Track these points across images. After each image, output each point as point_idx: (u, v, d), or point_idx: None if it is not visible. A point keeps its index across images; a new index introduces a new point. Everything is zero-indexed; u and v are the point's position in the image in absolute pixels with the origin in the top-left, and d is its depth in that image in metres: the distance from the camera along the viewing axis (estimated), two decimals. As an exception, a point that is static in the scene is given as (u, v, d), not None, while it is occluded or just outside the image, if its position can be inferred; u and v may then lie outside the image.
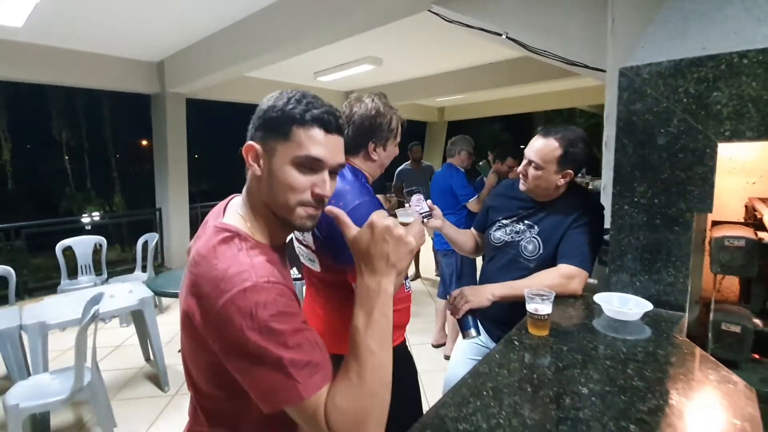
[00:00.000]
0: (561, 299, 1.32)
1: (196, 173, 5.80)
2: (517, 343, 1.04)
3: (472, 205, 3.05)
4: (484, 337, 1.62)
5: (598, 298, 1.24)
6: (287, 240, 0.81)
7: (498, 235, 1.64)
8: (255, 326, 0.58)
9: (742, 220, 1.43)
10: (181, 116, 5.06)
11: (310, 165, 0.68)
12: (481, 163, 3.37)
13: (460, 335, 1.42)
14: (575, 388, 0.83)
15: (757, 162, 1.59)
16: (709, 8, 1.14)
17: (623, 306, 1.19)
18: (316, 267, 1.26)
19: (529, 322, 1.11)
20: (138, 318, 2.78)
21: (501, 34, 2.58)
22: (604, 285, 1.34)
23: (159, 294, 2.96)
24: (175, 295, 2.72)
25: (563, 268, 1.38)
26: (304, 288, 1.44)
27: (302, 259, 1.34)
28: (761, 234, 1.16)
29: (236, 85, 5.27)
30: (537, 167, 1.43)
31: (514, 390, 0.83)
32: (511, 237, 1.59)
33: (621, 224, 1.28)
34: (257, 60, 3.60)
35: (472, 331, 1.37)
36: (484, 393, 0.82)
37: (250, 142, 0.70)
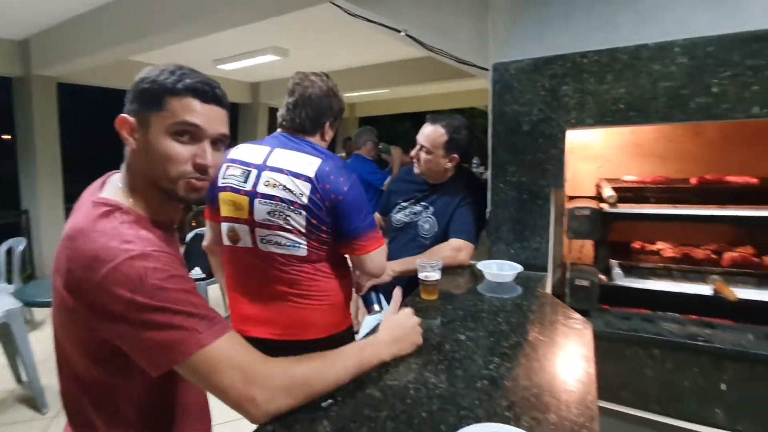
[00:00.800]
0: (452, 269, 1.47)
1: (74, 169, 5.05)
2: (410, 306, 1.14)
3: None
4: (386, 310, 1.72)
5: (481, 265, 1.40)
6: (179, 226, 0.79)
7: (399, 216, 1.75)
8: (146, 290, 0.57)
9: (589, 196, 1.73)
10: (52, 103, 4.39)
11: (186, 133, 0.67)
12: (380, 146, 3.57)
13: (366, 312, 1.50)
14: (455, 337, 0.94)
15: (604, 149, 1.92)
16: (557, 15, 1.36)
17: (500, 270, 1.37)
18: (300, 251, 1.14)
19: (421, 288, 1.22)
20: (5, 334, 2.39)
21: (400, 31, 2.73)
22: (486, 255, 1.52)
23: (30, 305, 2.57)
24: (50, 305, 2.39)
25: (453, 242, 1.53)
26: (208, 289, 1.38)
27: (274, 249, 1.15)
28: (602, 204, 1.42)
29: (123, 70, 4.75)
30: (427, 152, 1.56)
31: (403, 344, 0.92)
32: (410, 218, 1.72)
33: (498, 201, 1.46)
34: (144, 42, 3.29)
35: (376, 306, 1.45)
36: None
37: (123, 115, 0.68)
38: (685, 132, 1.79)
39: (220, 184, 1.19)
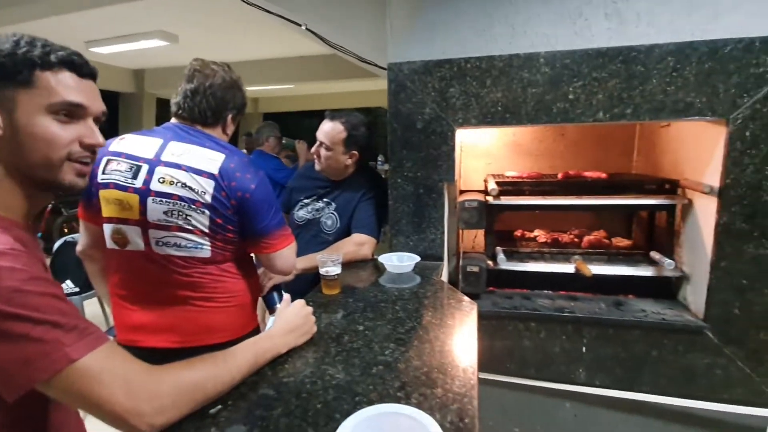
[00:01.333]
0: (355, 263, 1.50)
1: None
2: (311, 303, 1.14)
3: None
4: None
5: (382, 258, 1.45)
6: (56, 248, 0.67)
7: (301, 214, 1.72)
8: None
9: (478, 189, 1.90)
10: None
11: (69, 113, 0.59)
12: (284, 140, 3.49)
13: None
14: (354, 328, 0.97)
15: (491, 148, 2.12)
16: (446, 21, 1.46)
17: (400, 262, 1.43)
18: (203, 252, 1.05)
19: (322, 283, 1.22)
20: None
21: (301, 25, 2.68)
22: (388, 248, 1.58)
23: None
24: None
25: (356, 237, 1.56)
26: (85, 303, 1.20)
27: (173, 251, 1.04)
28: (488, 197, 1.57)
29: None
30: (327, 148, 1.57)
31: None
32: (313, 215, 1.70)
33: (396, 195, 1.53)
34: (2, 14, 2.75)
35: (278, 307, 1.41)
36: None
37: None
38: (552, 133, 2.06)
39: (100, 180, 1.04)
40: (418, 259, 1.42)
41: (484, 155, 2.12)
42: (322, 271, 1.21)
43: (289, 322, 0.86)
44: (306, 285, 1.51)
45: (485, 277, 1.57)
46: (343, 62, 4.37)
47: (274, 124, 3.24)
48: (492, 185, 1.52)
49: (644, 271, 1.53)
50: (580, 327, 1.44)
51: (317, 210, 1.71)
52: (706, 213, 1.35)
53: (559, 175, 1.79)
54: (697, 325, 1.34)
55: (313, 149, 1.64)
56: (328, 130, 1.58)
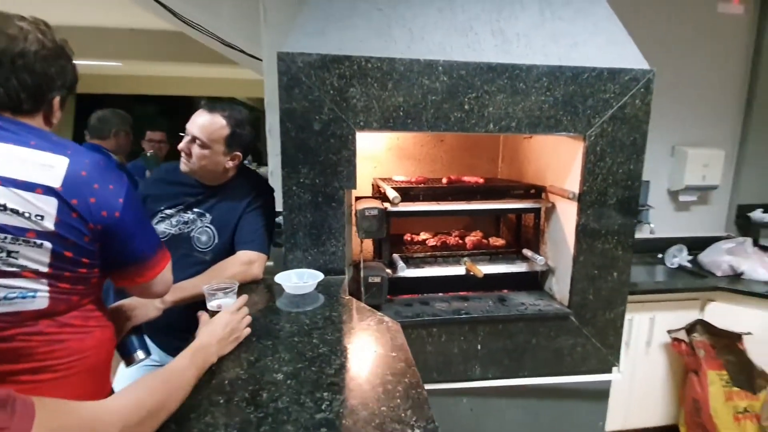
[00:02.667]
0: (244, 286, 1.26)
1: None
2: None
3: None
4: (156, 355, 1.35)
5: (278, 278, 1.26)
6: None
7: (161, 228, 1.38)
8: None
9: (371, 195, 1.84)
10: None
11: None
12: (149, 153, 2.80)
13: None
14: (271, 378, 0.78)
15: (377, 151, 2.08)
16: (341, 15, 1.34)
17: (301, 280, 1.26)
18: (35, 303, 0.70)
19: (213, 321, 0.97)
20: None
21: (143, -9, 2.18)
22: (281, 265, 1.38)
23: None
24: None
25: (242, 255, 1.32)
26: None
27: None
28: (386, 204, 1.52)
29: None
30: (203, 145, 1.29)
31: (205, 408, 0.69)
32: (179, 229, 1.39)
33: (291, 204, 1.35)
34: None
35: (139, 354, 1.09)
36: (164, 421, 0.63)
37: None
38: (432, 139, 2.15)
39: None
40: (321, 276, 1.27)
41: (370, 159, 2.07)
42: (212, 305, 0.97)
43: (218, 328, 0.86)
44: (180, 318, 1.20)
45: (387, 287, 1.52)
46: (190, 42, 3.78)
47: (126, 116, 2.50)
48: (392, 192, 1.47)
49: (519, 268, 1.71)
50: (476, 326, 1.52)
51: (185, 223, 1.40)
52: (567, 215, 1.56)
53: (444, 180, 1.86)
54: (564, 311, 1.55)
55: (181, 145, 1.33)
56: (205, 123, 1.29)
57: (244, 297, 1.00)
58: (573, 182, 1.51)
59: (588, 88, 1.39)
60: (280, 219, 1.55)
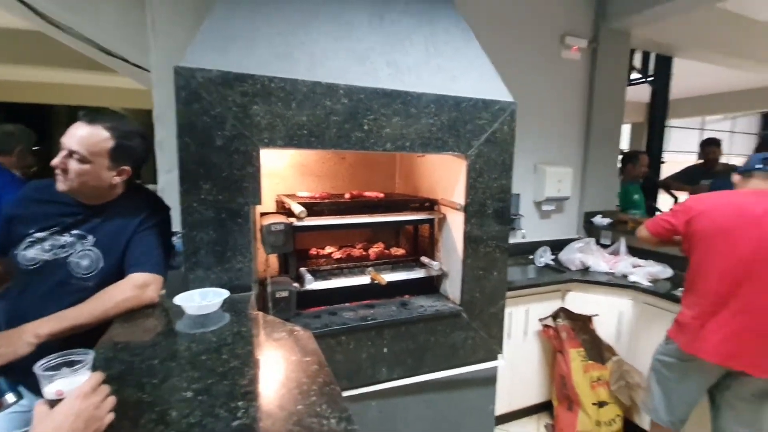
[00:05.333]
0: (136, 313, 1.18)
1: None
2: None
3: None
4: (27, 399, 1.17)
5: (178, 299, 1.21)
6: None
7: (31, 254, 1.23)
8: None
9: (275, 211, 1.85)
10: None
11: None
12: None
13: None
14: (180, 397, 0.76)
15: (278, 167, 2.10)
16: (242, 35, 1.37)
17: (204, 300, 1.22)
18: None
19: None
20: None
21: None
22: (183, 286, 1.32)
23: None
24: None
25: (135, 278, 1.23)
26: None
27: None
28: (291, 219, 1.55)
29: None
30: (82, 160, 1.19)
31: (106, 436, 0.65)
32: (54, 254, 1.24)
33: (192, 221, 1.30)
34: None
35: (9, 397, 0.96)
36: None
37: None
38: (334, 156, 2.24)
39: None
40: (226, 294, 1.25)
41: (273, 175, 2.08)
42: (50, 391, 0.69)
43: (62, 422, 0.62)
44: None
45: (295, 300, 1.55)
46: (56, 45, 3.35)
47: (25, 130, 2.18)
48: (298, 207, 1.51)
49: (418, 274, 1.88)
50: (382, 330, 1.62)
51: (62, 247, 1.26)
52: (456, 224, 1.78)
53: (347, 195, 1.96)
54: (457, 309, 1.75)
55: (55, 160, 1.20)
56: (84, 136, 1.19)
57: (100, 374, 0.71)
58: (459, 195, 1.73)
59: (467, 115, 1.63)
60: (175, 239, 1.48)
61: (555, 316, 2.34)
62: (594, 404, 2.21)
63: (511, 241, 2.74)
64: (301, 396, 0.77)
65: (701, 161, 3.79)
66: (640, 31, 3.05)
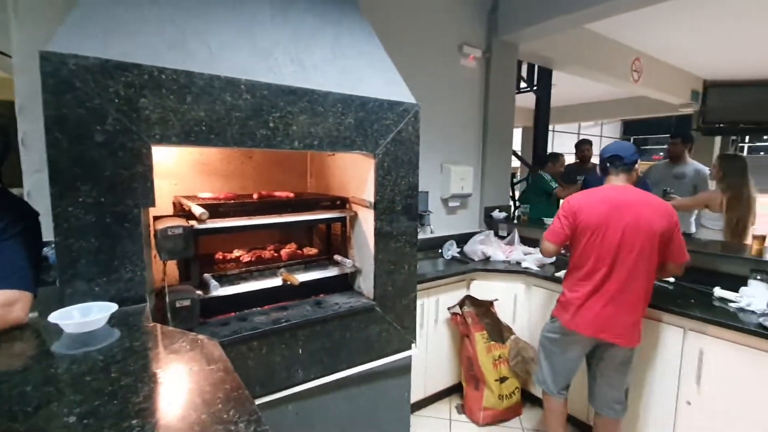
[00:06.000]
0: (1, 336, 1.01)
1: None
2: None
3: None
4: None
5: (54, 317, 1.05)
6: None
7: None
8: None
9: (173, 214, 1.71)
10: None
11: None
12: None
13: None
14: (60, 423, 0.67)
15: (176, 167, 1.94)
16: (128, 22, 1.23)
17: (86, 316, 1.08)
18: None
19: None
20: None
21: None
22: (56, 302, 1.15)
23: None
24: None
25: None
26: None
27: None
28: (191, 222, 1.45)
29: None
30: None
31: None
32: None
33: (68, 228, 1.14)
34: None
35: None
36: None
37: None
38: (240, 155, 2.14)
39: None
40: (114, 307, 1.12)
41: (169, 175, 1.91)
42: None
43: None
44: None
45: (198, 309, 1.44)
46: None
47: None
48: (198, 209, 1.42)
49: (332, 272, 1.88)
50: (296, 332, 1.59)
51: None
52: (367, 221, 1.82)
53: (255, 196, 1.89)
54: (370, 304, 1.79)
55: None
56: None
57: None
58: (369, 193, 1.77)
59: (373, 115, 1.68)
60: (47, 249, 1.29)
61: (461, 303, 2.52)
62: (496, 380, 2.43)
63: (421, 236, 2.90)
64: (205, 405, 0.73)
65: (577, 160, 4.38)
66: (526, 45, 3.42)
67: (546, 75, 4.69)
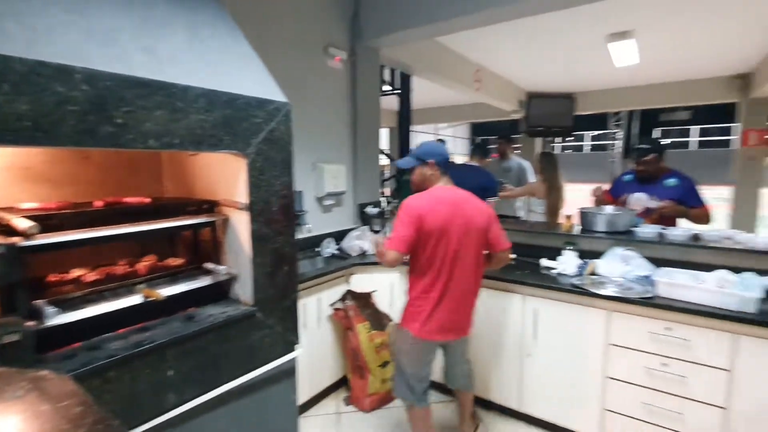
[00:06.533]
0: None
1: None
2: None
3: None
4: None
5: None
6: None
7: None
8: None
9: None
10: None
11: None
12: None
13: None
14: None
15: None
16: None
17: None
18: None
19: None
20: None
21: None
22: None
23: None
24: None
25: None
26: None
27: None
28: (14, 239, 1.17)
29: None
30: None
31: None
32: None
33: None
34: None
35: None
36: None
37: None
38: (74, 156, 1.81)
39: None
40: None
41: (-29, 183, 1.51)
42: None
43: None
44: None
45: (32, 343, 1.19)
46: None
47: None
48: (25, 222, 1.16)
49: (204, 282, 1.74)
50: (164, 352, 1.43)
51: None
52: (241, 224, 1.73)
53: (98, 203, 1.62)
54: (250, 310, 1.72)
55: None
56: None
57: None
58: (242, 194, 1.69)
59: (242, 113, 1.61)
60: None
61: (343, 298, 2.59)
62: (379, 366, 2.58)
63: (299, 235, 2.88)
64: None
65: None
66: (387, 51, 3.66)
67: (406, 79, 5.09)
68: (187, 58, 1.51)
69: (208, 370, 1.58)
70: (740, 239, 2.26)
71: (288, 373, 1.92)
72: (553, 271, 2.49)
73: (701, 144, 21.90)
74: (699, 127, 21.31)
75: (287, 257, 1.85)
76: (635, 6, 3.44)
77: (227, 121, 1.56)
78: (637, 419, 2.08)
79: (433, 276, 1.83)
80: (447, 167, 1.95)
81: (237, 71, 1.67)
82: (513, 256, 2.75)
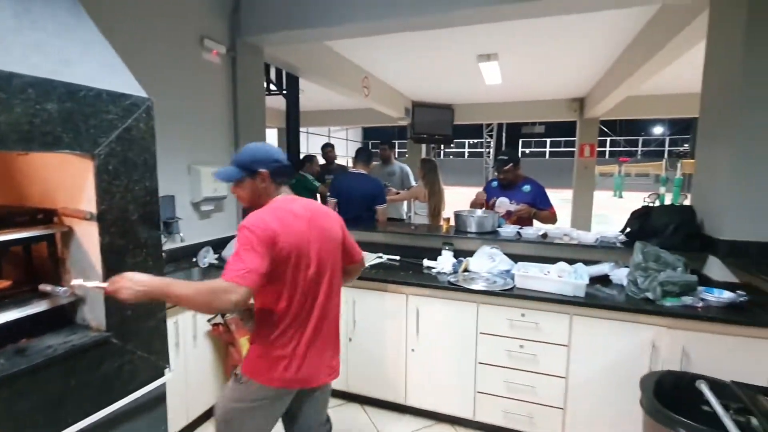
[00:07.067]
0: None
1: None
2: None
3: None
4: None
5: None
6: None
7: None
8: None
9: None
10: None
11: None
12: None
13: None
14: None
15: None
16: None
17: None
18: None
19: None
20: None
21: None
22: None
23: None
24: None
25: None
26: None
27: None
28: None
29: None
30: None
31: None
32: None
33: None
34: None
35: None
36: None
37: None
38: None
39: None
40: None
41: None
42: None
43: None
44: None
45: None
46: None
47: None
48: None
49: (39, 307, 1.45)
50: (-22, 399, 1.16)
51: None
52: (89, 237, 1.49)
53: None
54: (102, 337, 1.49)
55: None
56: None
57: None
58: (89, 202, 1.46)
59: (88, 108, 1.39)
60: None
61: (223, 312, 2.41)
62: (266, 379, 2.46)
63: (169, 246, 2.60)
64: None
65: (324, 161, 4.89)
66: (270, 49, 3.53)
67: (294, 81, 4.98)
68: (12, 40, 1.25)
69: (50, 411, 1.32)
70: (575, 236, 2.73)
71: (157, 401, 1.71)
72: (434, 270, 2.68)
73: (551, 154, 26.22)
74: (551, 139, 25.44)
75: (152, 271, 1.64)
76: (498, 31, 3.91)
77: (68, 115, 1.33)
78: (500, 396, 2.36)
79: (296, 309, 1.39)
80: (285, 176, 1.49)
81: (82, 59, 1.44)
82: (397, 257, 2.89)
